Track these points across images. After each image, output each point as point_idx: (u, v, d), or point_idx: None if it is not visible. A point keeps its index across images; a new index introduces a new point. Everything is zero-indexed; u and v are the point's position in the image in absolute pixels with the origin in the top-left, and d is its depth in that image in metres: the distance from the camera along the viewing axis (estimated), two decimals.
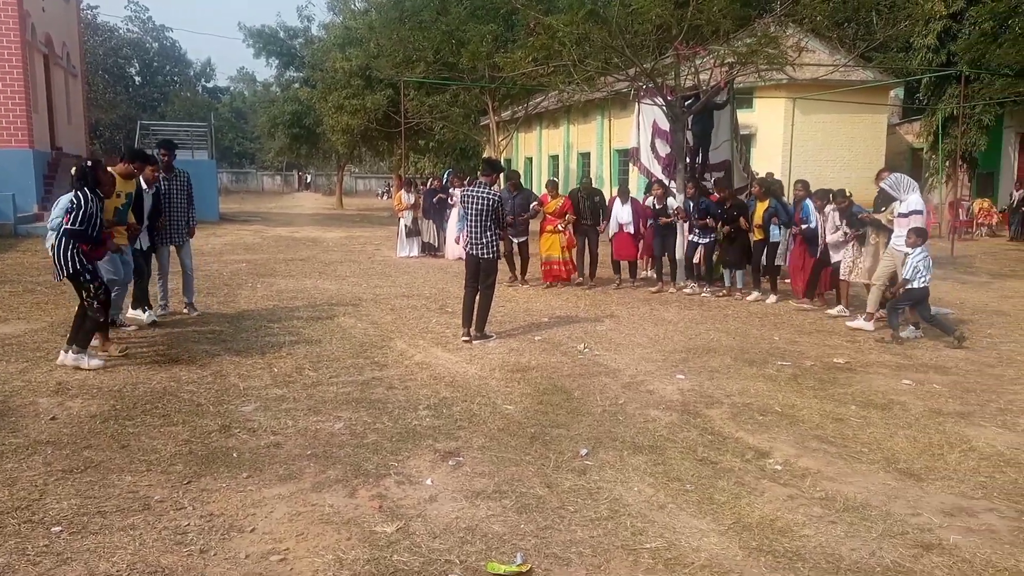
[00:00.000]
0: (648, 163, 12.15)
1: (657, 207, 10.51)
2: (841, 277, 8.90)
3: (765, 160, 20.15)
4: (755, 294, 10.02)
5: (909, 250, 7.51)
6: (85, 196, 5.77)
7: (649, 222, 10.64)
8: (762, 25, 12.00)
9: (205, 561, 3.10)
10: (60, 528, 3.33)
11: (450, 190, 14.37)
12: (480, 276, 7.28)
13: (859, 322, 8.20)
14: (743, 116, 16.82)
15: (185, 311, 8.11)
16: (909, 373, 6.42)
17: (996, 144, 22.48)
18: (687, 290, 10.47)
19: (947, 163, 21.49)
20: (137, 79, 58.45)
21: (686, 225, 10.68)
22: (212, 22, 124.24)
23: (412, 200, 14.64)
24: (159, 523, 3.41)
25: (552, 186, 11.07)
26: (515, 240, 10.91)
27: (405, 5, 22.63)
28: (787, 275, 10.33)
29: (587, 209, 10.78)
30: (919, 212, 7.67)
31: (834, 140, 22.16)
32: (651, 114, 11.96)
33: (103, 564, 3.05)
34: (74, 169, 6.04)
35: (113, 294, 6.48)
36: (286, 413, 4.97)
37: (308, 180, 60.90)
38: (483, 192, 7.26)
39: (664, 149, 11.80)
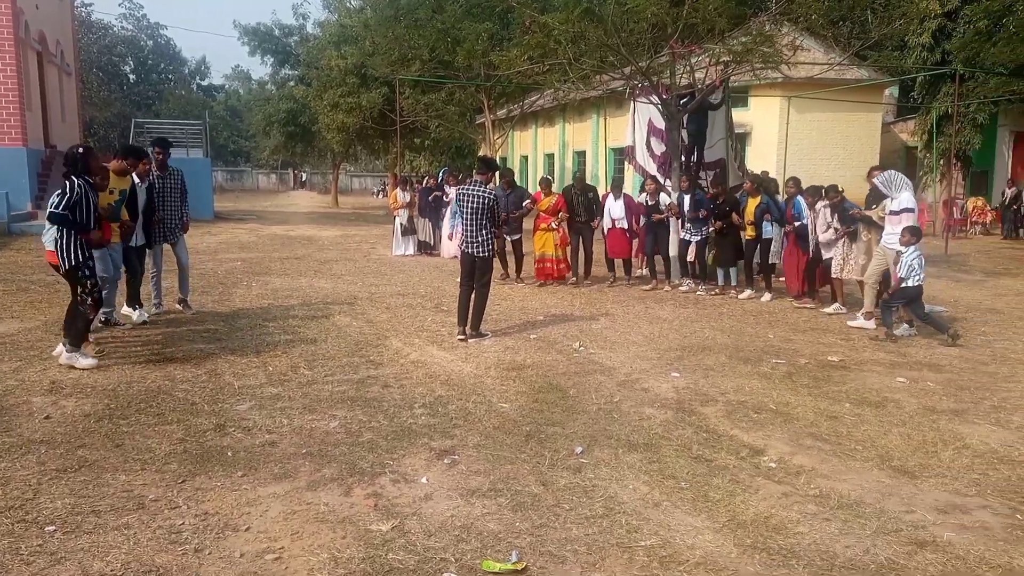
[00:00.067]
0: (643, 161, 12.17)
1: (650, 203, 10.51)
2: (833, 274, 8.92)
3: (760, 158, 20.20)
4: (748, 292, 10.04)
5: (901, 248, 7.52)
6: (72, 183, 5.72)
7: (643, 220, 10.64)
8: (757, 24, 11.99)
9: (200, 560, 3.10)
10: (54, 527, 3.32)
11: (445, 188, 14.37)
12: (475, 274, 7.28)
13: (860, 321, 8.22)
14: (738, 114, 16.85)
15: (179, 308, 8.10)
16: (903, 371, 6.45)
17: (990, 142, 22.56)
18: (683, 288, 10.48)
19: (941, 161, 21.56)
20: (131, 77, 58.20)
21: (679, 223, 10.69)
22: (207, 20, 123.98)
23: (408, 198, 14.64)
24: (154, 522, 3.40)
25: (545, 184, 11.07)
26: (509, 238, 10.91)
27: (400, 3, 22.58)
28: (782, 273, 10.36)
29: (581, 206, 10.77)
30: (910, 210, 7.69)
31: (829, 138, 22.22)
32: (647, 113, 11.98)
33: (97, 563, 3.05)
34: (64, 155, 6.00)
35: (104, 292, 6.46)
36: (281, 412, 4.97)
37: (303, 178, 60.79)
38: (479, 190, 7.25)
39: (659, 147, 11.82)
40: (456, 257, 9.12)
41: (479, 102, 23.20)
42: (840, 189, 8.78)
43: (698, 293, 10.25)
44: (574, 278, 10.96)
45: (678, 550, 3.28)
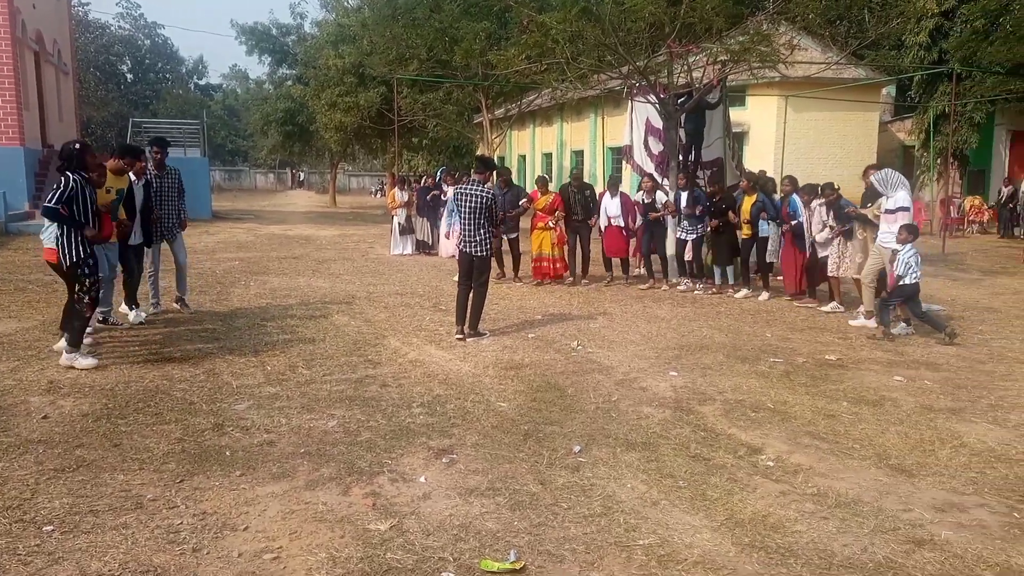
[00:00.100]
0: (641, 161, 12.17)
1: (646, 201, 10.50)
2: (829, 273, 8.93)
3: (758, 158, 20.20)
4: (744, 292, 10.03)
5: (897, 247, 7.52)
6: (67, 178, 5.69)
7: (639, 219, 10.64)
8: (754, 23, 12.00)
9: (198, 560, 3.09)
10: (52, 527, 3.32)
11: (443, 186, 14.37)
12: (473, 274, 7.28)
13: (861, 320, 8.23)
14: (735, 114, 16.86)
15: (177, 307, 8.10)
16: (900, 369, 6.46)
17: (987, 141, 22.57)
18: (680, 287, 10.49)
19: (938, 160, 21.57)
20: (129, 76, 58.08)
21: (675, 222, 10.69)
22: (204, 19, 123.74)
23: (406, 198, 14.64)
24: (151, 522, 3.40)
25: (542, 182, 11.07)
26: (506, 237, 10.89)
27: (398, 2, 22.58)
28: (780, 272, 10.36)
29: (578, 203, 10.76)
30: (906, 209, 7.68)
31: (826, 138, 22.24)
32: (644, 112, 11.98)
33: (95, 563, 3.04)
34: (60, 150, 5.98)
35: (101, 292, 6.45)
36: (279, 411, 4.97)
37: (301, 178, 60.70)
38: (477, 189, 7.25)
39: (657, 147, 11.82)
40: (454, 256, 9.12)
41: (477, 101, 23.18)
42: (836, 187, 8.78)
43: (696, 292, 10.26)
44: (571, 277, 10.96)
45: (676, 549, 3.28)
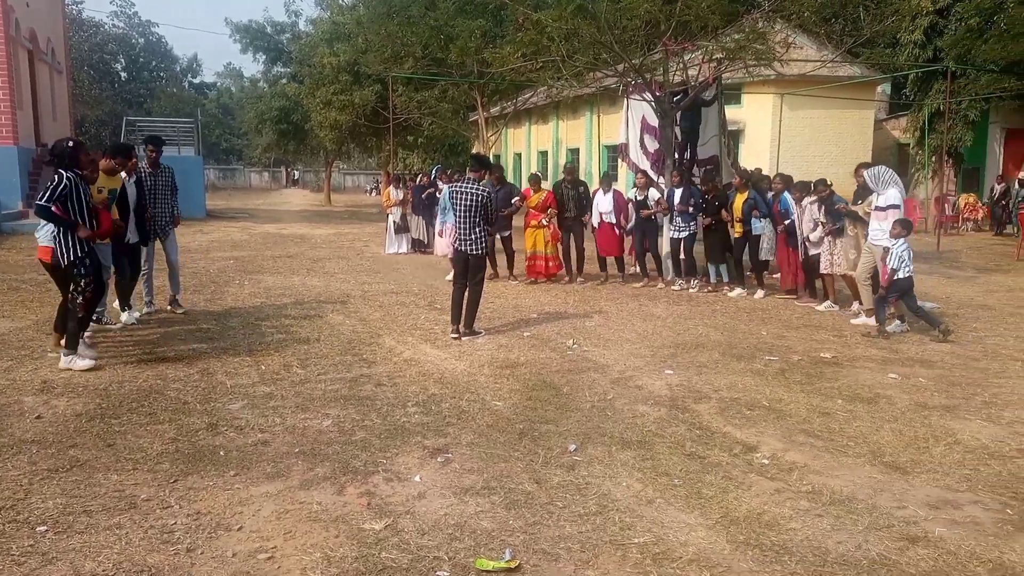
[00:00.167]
0: (637, 159, 12.17)
1: (638, 198, 10.50)
2: (823, 270, 8.94)
3: (753, 156, 20.23)
4: (738, 291, 10.02)
5: (888, 243, 7.52)
6: (60, 175, 5.66)
7: (632, 217, 10.63)
8: (750, 21, 12.01)
9: (192, 560, 3.09)
10: (45, 527, 3.31)
11: (439, 184, 14.35)
12: (468, 272, 7.28)
13: (862, 319, 8.24)
14: (731, 112, 16.84)
15: (170, 308, 8.07)
16: (895, 367, 6.47)
17: (982, 139, 22.62)
18: (675, 286, 10.49)
19: (933, 158, 21.63)
20: (123, 75, 57.91)
21: (668, 220, 10.69)
22: (198, 17, 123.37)
23: (401, 196, 14.62)
24: (145, 522, 3.39)
25: (534, 180, 11.04)
26: (499, 235, 10.88)
27: (393, 1, 22.54)
28: (777, 270, 10.36)
29: (571, 200, 10.74)
30: (896, 207, 7.68)
31: (821, 136, 22.28)
32: (640, 110, 11.97)
33: (89, 563, 3.04)
34: (52, 147, 5.93)
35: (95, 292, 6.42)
36: (274, 411, 4.96)
37: (296, 176, 60.56)
38: (472, 188, 7.23)
39: (653, 145, 11.81)
40: (448, 256, 9.12)
41: (472, 99, 23.18)
42: (829, 183, 8.79)
43: (691, 290, 10.27)
44: (567, 276, 10.96)
45: (671, 547, 3.29)
